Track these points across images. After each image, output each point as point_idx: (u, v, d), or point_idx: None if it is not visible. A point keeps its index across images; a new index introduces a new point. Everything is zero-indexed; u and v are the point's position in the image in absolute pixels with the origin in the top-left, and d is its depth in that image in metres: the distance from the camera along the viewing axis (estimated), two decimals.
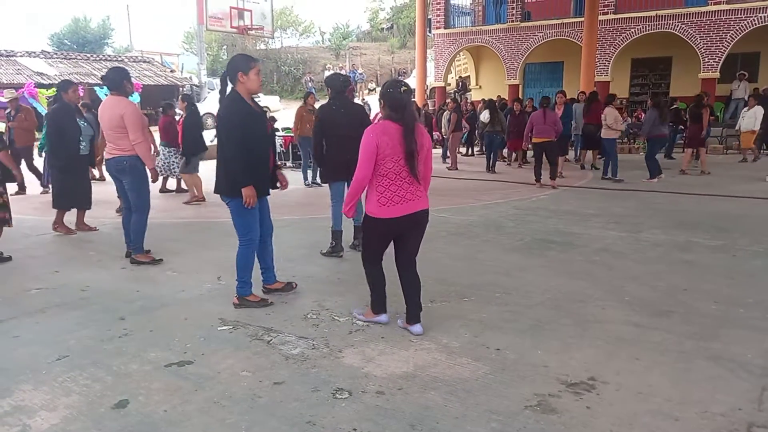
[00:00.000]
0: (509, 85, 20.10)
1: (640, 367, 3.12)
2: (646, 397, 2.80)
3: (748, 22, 16.49)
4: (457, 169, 12.95)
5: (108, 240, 6.28)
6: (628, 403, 2.75)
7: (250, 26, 14.67)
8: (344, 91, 5.59)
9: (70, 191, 6.44)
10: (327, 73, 31.44)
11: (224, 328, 3.73)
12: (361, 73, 32.49)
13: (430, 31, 22.42)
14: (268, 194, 4.16)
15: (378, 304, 3.76)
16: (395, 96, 3.44)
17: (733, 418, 2.61)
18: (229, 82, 3.92)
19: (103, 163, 5.66)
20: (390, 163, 3.42)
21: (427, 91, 22.25)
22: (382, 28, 44.27)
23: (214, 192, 4.08)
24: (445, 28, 21.61)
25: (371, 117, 10.06)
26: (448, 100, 15.67)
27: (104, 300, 4.32)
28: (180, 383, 2.99)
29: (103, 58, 26.53)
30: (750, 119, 12.55)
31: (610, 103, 10.85)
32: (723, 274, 4.80)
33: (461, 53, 22.75)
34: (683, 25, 17.29)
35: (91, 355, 3.34)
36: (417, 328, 3.58)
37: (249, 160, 3.82)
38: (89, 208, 6.71)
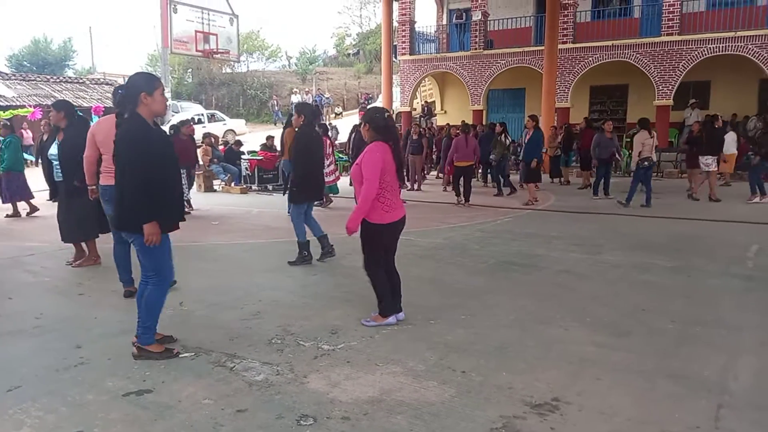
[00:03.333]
0: (473, 111, 20.48)
1: (603, 387, 3.17)
2: (608, 417, 2.84)
3: (698, 52, 17.26)
4: (417, 190, 13.36)
5: (64, 266, 6.09)
6: (590, 423, 2.78)
7: (215, 50, 14.62)
8: (316, 118, 6.11)
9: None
10: (294, 98, 31.52)
11: (186, 355, 3.64)
12: (327, 98, 32.71)
13: (395, 57, 22.75)
14: (178, 228, 3.62)
15: (389, 307, 4.16)
16: (381, 120, 4.08)
17: None
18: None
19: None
20: (388, 177, 4.00)
21: (393, 116, 22.48)
22: (349, 54, 44.74)
23: (116, 228, 3.77)
24: (410, 54, 21.96)
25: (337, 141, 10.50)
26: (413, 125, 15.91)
27: (60, 327, 4.18)
28: (138, 413, 2.90)
29: (64, 80, 26.00)
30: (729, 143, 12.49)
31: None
32: (680, 294, 4.94)
33: (426, 79, 23.12)
34: (638, 55, 18.00)
35: (46, 385, 3.22)
36: (402, 315, 4.26)
37: (157, 190, 3.39)
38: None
